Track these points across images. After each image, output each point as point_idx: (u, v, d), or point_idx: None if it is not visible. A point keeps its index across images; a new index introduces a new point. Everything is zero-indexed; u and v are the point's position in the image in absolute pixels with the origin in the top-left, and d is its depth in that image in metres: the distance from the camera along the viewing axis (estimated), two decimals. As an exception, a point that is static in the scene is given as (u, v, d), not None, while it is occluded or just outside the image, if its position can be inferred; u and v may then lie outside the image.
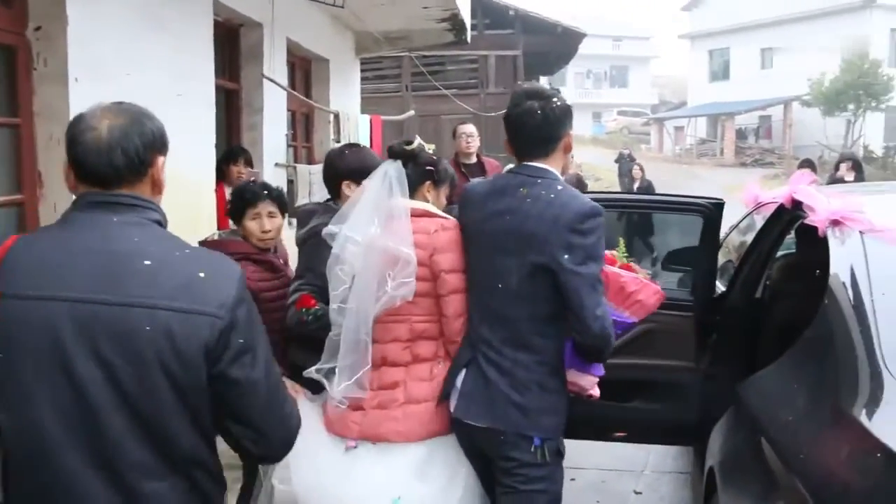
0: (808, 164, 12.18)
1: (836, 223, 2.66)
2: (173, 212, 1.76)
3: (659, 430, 3.73)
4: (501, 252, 2.43)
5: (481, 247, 2.52)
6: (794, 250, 3.78)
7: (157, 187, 1.64)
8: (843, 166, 10.10)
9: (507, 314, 2.42)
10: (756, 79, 36.76)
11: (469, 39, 9.54)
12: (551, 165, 2.51)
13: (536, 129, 2.48)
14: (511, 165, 2.71)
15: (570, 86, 51.30)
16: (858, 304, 2.17)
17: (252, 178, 3.93)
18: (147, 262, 1.50)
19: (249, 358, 1.55)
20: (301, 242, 2.98)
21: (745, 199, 4.23)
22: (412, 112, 9.75)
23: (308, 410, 2.47)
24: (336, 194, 3.02)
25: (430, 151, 2.87)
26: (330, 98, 7.90)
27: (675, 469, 4.64)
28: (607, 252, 2.57)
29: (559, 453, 2.46)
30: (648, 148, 40.03)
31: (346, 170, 2.97)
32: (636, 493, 4.38)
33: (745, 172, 28.78)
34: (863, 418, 1.85)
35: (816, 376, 2.15)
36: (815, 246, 3.45)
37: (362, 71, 9.72)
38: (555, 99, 2.50)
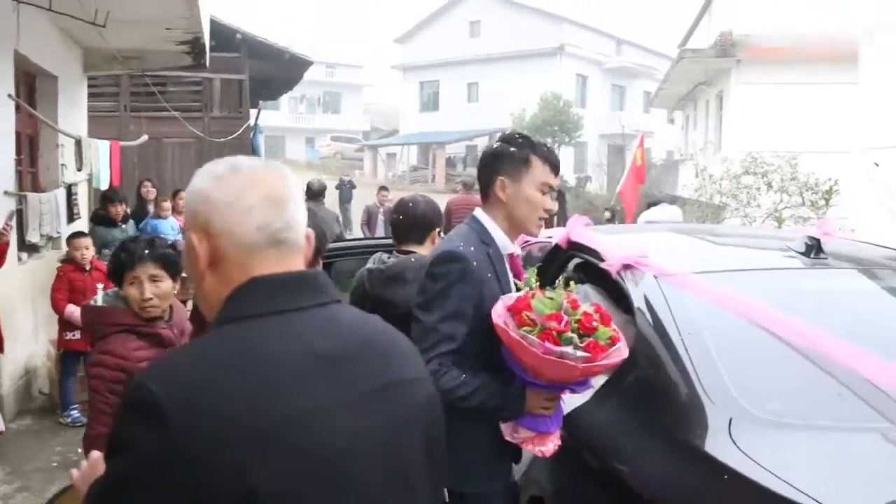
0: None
1: (627, 267, 2.98)
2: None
3: None
4: None
5: None
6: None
7: None
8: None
9: None
10: (464, 111, 39.29)
11: (207, 63, 9.20)
12: (490, 212, 2.61)
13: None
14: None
15: (284, 110, 51.11)
16: (669, 345, 2.45)
17: None
18: None
19: None
20: None
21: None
22: (146, 137, 9.15)
23: None
24: (420, 241, 3.23)
25: None
26: (59, 119, 7.18)
27: None
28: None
29: None
30: (362, 174, 41.07)
31: (438, 220, 3.33)
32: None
33: (457, 198, 30.61)
34: (699, 443, 2.10)
35: (645, 408, 2.39)
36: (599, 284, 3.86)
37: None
38: (497, 142, 2.69)
